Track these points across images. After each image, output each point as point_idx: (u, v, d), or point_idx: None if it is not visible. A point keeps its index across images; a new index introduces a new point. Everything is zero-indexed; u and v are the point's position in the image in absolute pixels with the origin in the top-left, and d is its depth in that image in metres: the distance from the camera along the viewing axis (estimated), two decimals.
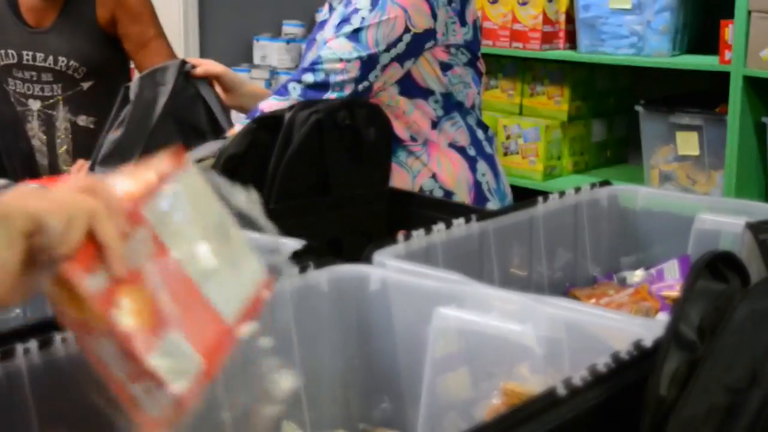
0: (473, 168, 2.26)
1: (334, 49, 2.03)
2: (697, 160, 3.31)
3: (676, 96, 3.47)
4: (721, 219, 1.46)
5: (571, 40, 3.53)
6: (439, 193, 2.19)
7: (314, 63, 2.02)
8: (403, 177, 2.17)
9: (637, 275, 1.55)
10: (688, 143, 3.30)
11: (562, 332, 1.11)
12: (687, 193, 3.22)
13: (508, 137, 3.58)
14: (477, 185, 2.25)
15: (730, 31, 3.12)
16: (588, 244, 1.57)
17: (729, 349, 0.85)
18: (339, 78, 2.01)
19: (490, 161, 2.28)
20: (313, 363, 1.18)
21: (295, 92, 2.02)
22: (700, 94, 3.44)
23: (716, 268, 0.94)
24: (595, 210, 1.57)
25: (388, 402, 1.27)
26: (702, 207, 1.51)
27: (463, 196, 2.21)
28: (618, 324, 1.09)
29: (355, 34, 2.05)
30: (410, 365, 1.21)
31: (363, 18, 2.06)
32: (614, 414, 0.92)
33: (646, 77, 3.73)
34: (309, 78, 2.02)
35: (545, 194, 1.51)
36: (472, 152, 2.26)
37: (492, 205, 2.17)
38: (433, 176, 2.20)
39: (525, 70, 3.64)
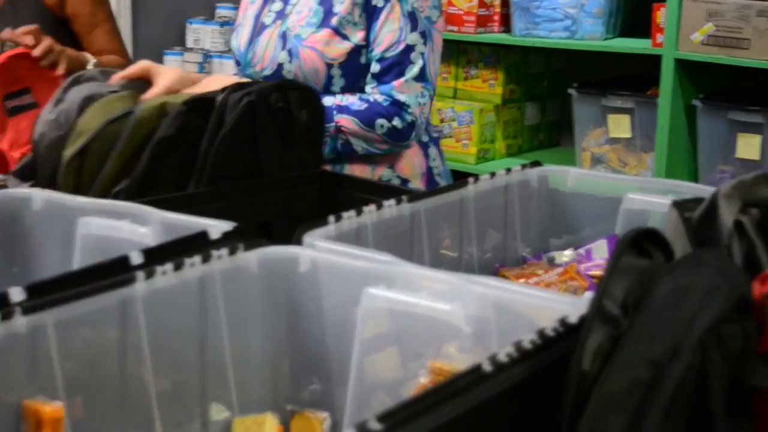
0: (426, 154, 2.29)
1: (408, 93, 2.15)
2: (629, 142, 3.34)
3: (609, 79, 3.51)
4: (649, 198, 1.47)
5: (506, 24, 3.54)
6: (396, 183, 2.21)
7: (402, 105, 2.14)
8: (363, 169, 2.19)
9: (566, 255, 1.56)
10: (619, 126, 3.33)
11: (491, 311, 1.11)
12: (618, 174, 3.25)
13: (442, 121, 3.59)
14: (429, 170, 2.29)
15: (662, 15, 3.16)
16: (518, 224, 1.58)
17: (651, 324, 0.85)
18: (420, 120, 2.18)
19: (436, 143, 2.32)
20: (241, 344, 1.17)
21: (382, 130, 2.14)
22: (633, 77, 3.48)
23: (641, 245, 0.95)
24: (525, 191, 1.58)
25: (317, 383, 1.27)
26: (630, 187, 1.53)
27: (418, 183, 2.25)
28: (545, 302, 1.10)
29: (422, 74, 2.17)
30: (339, 346, 1.21)
31: (422, 54, 2.17)
32: (540, 390, 0.92)
33: (580, 60, 3.76)
34: (397, 123, 2.14)
35: (476, 175, 1.51)
36: (425, 138, 2.30)
37: None
38: (391, 166, 2.23)
39: (459, 54, 3.65)
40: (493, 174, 1.53)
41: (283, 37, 2.21)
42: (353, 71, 2.17)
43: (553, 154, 3.72)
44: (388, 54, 2.16)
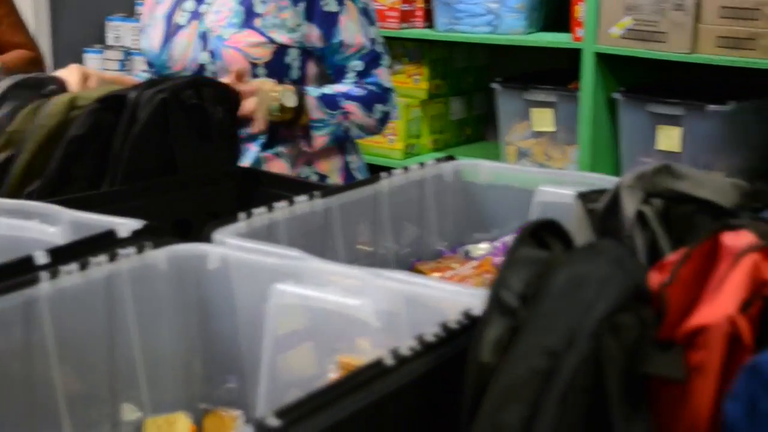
0: (343, 149, 2.31)
1: (390, 80, 2.32)
2: (553, 136, 3.37)
3: (532, 73, 3.54)
4: (560, 191, 1.49)
5: (429, 19, 3.56)
6: (315, 179, 2.23)
7: (390, 91, 2.30)
8: (281, 166, 2.20)
9: (481, 248, 1.57)
10: (543, 120, 3.36)
11: (401, 305, 1.12)
12: (543, 168, 3.28)
13: None
14: (346, 165, 2.31)
15: (581, 9, 3.19)
16: (433, 218, 1.58)
17: (548, 314, 0.86)
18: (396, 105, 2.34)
19: (351, 139, 2.35)
20: (152, 343, 1.17)
21: (378, 115, 2.28)
22: (556, 72, 3.51)
23: (541, 236, 0.96)
24: (440, 185, 1.59)
25: (234, 381, 1.27)
26: (542, 179, 1.54)
27: (336, 178, 2.27)
28: (455, 295, 1.11)
29: (390, 64, 2.34)
30: (253, 344, 1.21)
31: (382, 44, 2.33)
32: (443, 382, 0.93)
33: (504, 55, 3.79)
34: (389, 108, 2.30)
35: (390, 170, 1.52)
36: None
37: None
38: (309, 163, 2.24)
39: None
40: (406, 168, 1.54)
41: (203, 37, 2.20)
42: (278, 71, 2.18)
43: (480, 149, 3.74)
44: (365, 51, 2.25)
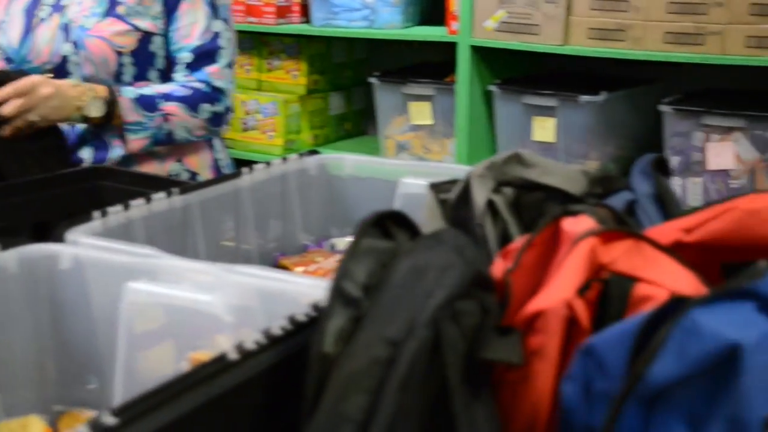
0: (211, 146, 2.30)
1: (223, 80, 2.23)
2: (431, 129, 3.40)
3: (410, 67, 3.55)
4: (422, 182, 1.50)
5: (306, 14, 3.55)
6: (185, 176, 2.21)
7: (220, 91, 2.22)
8: (150, 164, 2.18)
9: (346, 241, 1.58)
10: (420, 113, 3.38)
11: (254, 299, 1.12)
12: (422, 161, 3.31)
13: (246, 113, 3.58)
14: (215, 162, 2.30)
15: (456, 3, 3.22)
16: (298, 213, 1.58)
17: (389, 304, 0.87)
18: (232, 106, 2.29)
19: (221, 136, 2.34)
20: (3, 346, 1.15)
21: (206, 115, 2.20)
22: (433, 65, 3.53)
23: (386, 227, 0.97)
24: (303, 179, 1.59)
25: (95, 382, 1.25)
26: (405, 171, 1.55)
27: (206, 175, 2.26)
28: (311, 289, 1.11)
29: (229, 61, 2.26)
30: (110, 344, 1.19)
31: (228, 40, 2.25)
32: (291, 375, 0.93)
33: (382, 49, 3.80)
34: (219, 108, 2.22)
35: (251, 165, 1.51)
36: None
37: None
38: (179, 160, 2.22)
39: (261, 45, 3.64)
40: (268, 163, 1.54)
41: (65, 29, 2.17)
42: (143, 59, 2.16)
43: (360, 143, 3.75)
44: (199, 43, 2.19)
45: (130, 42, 2.14)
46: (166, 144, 2.19)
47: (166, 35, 2.18)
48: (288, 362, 0.93)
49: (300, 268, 1.49)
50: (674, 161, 3.01)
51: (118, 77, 2.14)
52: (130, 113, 2.10)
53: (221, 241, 1.48)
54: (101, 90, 2.09)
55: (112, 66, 2.13)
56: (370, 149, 3.55)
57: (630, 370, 0.80)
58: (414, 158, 3.40)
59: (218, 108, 2.21)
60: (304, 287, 1.12)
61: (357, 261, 0.90)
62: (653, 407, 0.80)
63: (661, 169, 1.14)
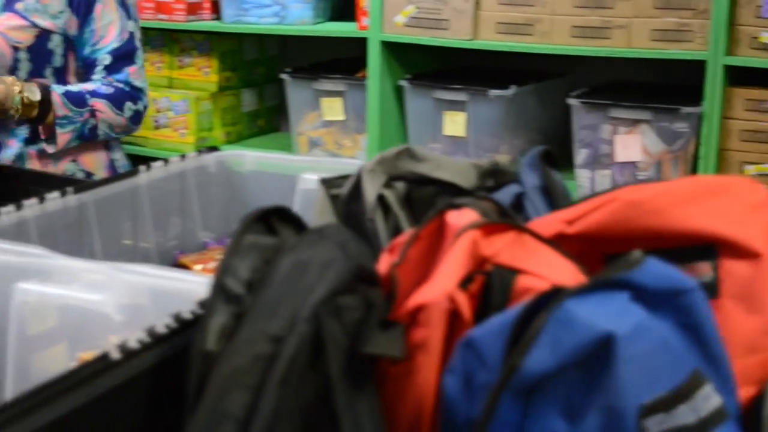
0: (107, 146, 2.28)
1: (141, 80, 2.27)
2: (343, 124, 3.40)
3: (322, 63, 3.55)
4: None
5: (216, 11, 3.53)
6: (80, 176, 2.19)
7: (140, 90, 2.26)
8: (45, 163, 2.15)
9: None
10: (332, 109, 3.38)
11: (146, 298, 1.11)
12: (334, 157, 3.31)
13: (158, 111, 3.55)
14: (111, 163, 2.28)
15: None
16: (197, 210, 1.57)
17: (272, 300, 0.87)
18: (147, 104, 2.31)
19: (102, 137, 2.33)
20: None
21: (129, 113, 2.24)
22: (345, 61, 3.53)
23: (271, 223, 0.97)
24: (203, 176, 1.58)
25: None
26: (305, 167, 1.55)
27: (102, 175, 2.24)
28: (202, 286, 1.10)
29: (142, 61, 2.29)
30: (4, 346, 1.17)
31: (140, 40, 2.28)
32: (176, 373, 0.93)
33: (293, 46, 3.79)
34: (140, 107, 2.26)
35: (149, 163, 1.50)
36: None
37: None
38: (74, 160, 2.19)
39: (172, 43, 3.61)
40: (166, 161, 1.52)
41: None
42: (40, 56, 2.14)
43: (273, 140, 3.74)
44: (117, 44, 2.21)
45: (27, 38, 2.12)
46: (88, 140, 2.20)
47: (78, 36, 2.17)
48: (173, 361, 0.92)
49: (199, 266, 1.48)
50: (583, 154, 3.05)
51: (12, 72, 2.12)
52: (60, 107, 2.11)
53: (119, 240, 1.47)
54: (30, 81, 2.11)
55: (7, 60, 2.11)
56: (282, 146, 3.54)
57: (506, 362, 0.80)
58: (326, 154, 3.40)
59: (139, 107, 2.25)
60: (198, 285, 1.11)
61: (239, 257, 0.90)
62: (531, 399, 0.81)
63: (549, 161, 1.15)
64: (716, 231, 0.94)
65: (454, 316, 0.90)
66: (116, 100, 2.19)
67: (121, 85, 2.21)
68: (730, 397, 0.89)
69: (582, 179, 3.06)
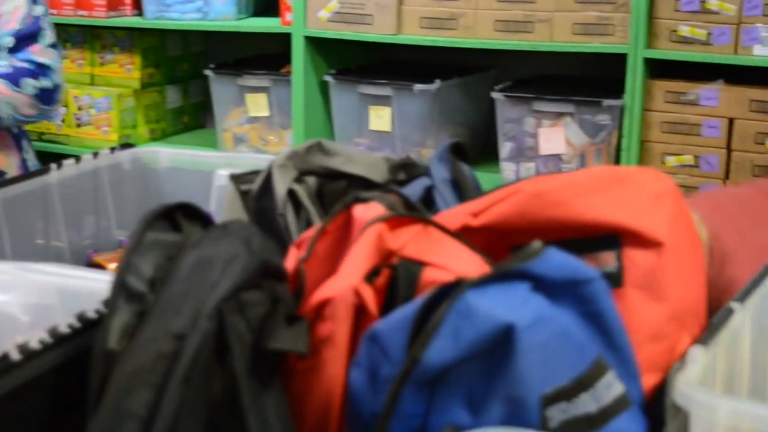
0: (19, 146, 2.25)
1: (48, 57, 2.20)
2: (269, 120, 3.38)
3: (247, 59, 3.53)
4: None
5: (138, 7, 3.49)
6: None
7: (45, 67, 2.19)
8: None
9: None
10: (257, 105, 3.36)
11: (54, 298, 1.10)
12: (260, 153, 3.29)
13: (80, 108, 3.50)
14: (23, 162, 2.25)
15: None
16: (111, 208, 1.56)
17: (175, 297, 0.86)
18: (63, 85, 2.28)
19: (27, 136, 2.30)
20: None
21: (32, 90, 2.17)
22: (269, 56, 3.52)
23: (176, 219, 0.96)
24: (117, 174, 1.56)
25: None
26: (221, 163, 1.54)
27: (14, 173, 2.20)
28: (104, 285, 1.09)
29: (53, 42, 2.24)
30: None
31: (48, 23, 2.24)
32: (80, 373, 0.91)
33: (218, 42, 3.76)
34: (46, 83, 2.19)
35: (60, 161, 1.48)
36: (16, 130, 2.25)
37: None
38: None
39: (93, 39, 3.56)
40: (78, 158, 1.50)
41: None
42: None
43: (198, 136, 3.71)
44: (20, 27, 2.18)
45: None
46: None
47: None
48: (77, 361, 0.91)
49: (113, 264, 1.46)
50: (507, 147, 3.07)
51: None
52: None
53: (31, 240, 1.45)
54: None
55: None
56: (208, 142, 3.51)
57: (408, 354, 0.80)
58: (252, 150, 3.38)
59: (45, 83, 2.19)
60: (107, 284, 1.09)
61: (141, 255, 0.89)
62: (434, 390, 0.81)
63: (460, 154, 1.16)
64: (619, 221, 0.94)
65: (360, 311, 0.90)
66: (14, 78, 2.15)
67: (21, 64, 2.17)
68: (634, 385, 0.89)
69: (507, 172, 3.07)
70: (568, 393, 0.81)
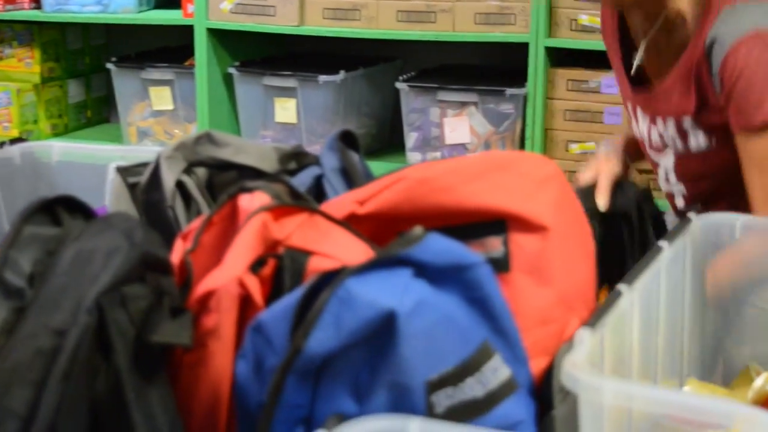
0: None
1: None
2: (173, 113, 3.35)
3: (149, 52, 3.49)
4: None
5: (36, 0, 3.43)
6: None
7: None
8: None
9: None
10: (161, 98, 3.32)
11: None
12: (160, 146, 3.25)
13: None
14: None
15: None
16: (1, 204, 1.52)
17: (55, 292, 0.84)
18: None
19: None
20: None
21: None
22: (173, 49, 3.48)
23: (56, 213, 0.94)
24: (7, 168, 1.53)
25: None
26: (116, 157, 1.51)
27: None
28: None
29: None
30: None
31: None
32: None
33: (119, 35, 3.71)
34: None
35: None
36: None
37: None
38: None
39: None
40: None
41: None
42: None
43: (102, 131, 3.66)
44: None
45: None
46: None
47: None
48: None
49: None
50: (413, 137, 3.07)
51: None
52: None
53: None
54: None
55: None
56: (112, 137, 3.47)
57: (290, 344, 0.80)
58: (157, 144, 3.33)
59: None
60: None
61: (19, 249, 0.87)
62: (319, 379, 0.81)
63: (349, 143, 1.15)
64: (504, 206, 0.95)
65: (245, 301, 0.89)
66: None
67: None
68: (521, 369, 0.90)
69: (413, 162, 3.08)
70: (454, 378, 0.81)
